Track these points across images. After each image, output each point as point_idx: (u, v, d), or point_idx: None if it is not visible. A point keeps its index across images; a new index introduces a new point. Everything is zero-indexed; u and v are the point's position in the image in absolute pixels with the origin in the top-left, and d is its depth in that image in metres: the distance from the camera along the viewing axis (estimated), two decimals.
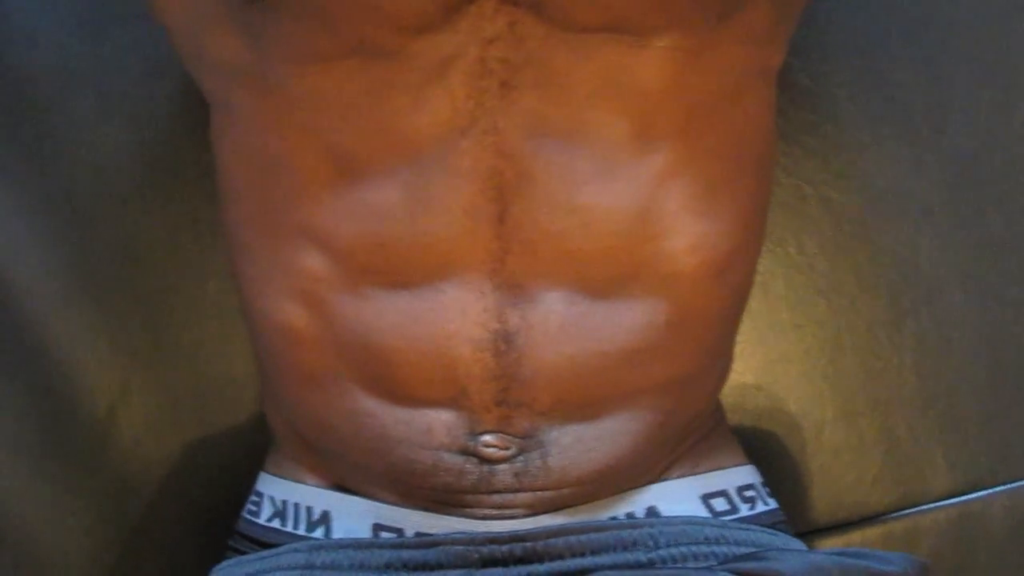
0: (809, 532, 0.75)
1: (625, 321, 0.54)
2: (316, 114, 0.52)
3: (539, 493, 0.55)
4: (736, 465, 0.62)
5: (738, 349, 0.65)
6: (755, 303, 0.75)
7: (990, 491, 0.76)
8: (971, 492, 0.75)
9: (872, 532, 0.75)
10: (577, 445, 0.55)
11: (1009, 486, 0.76)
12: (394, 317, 0.53)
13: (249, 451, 0.72)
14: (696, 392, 0.59)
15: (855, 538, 0.75)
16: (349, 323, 0.54)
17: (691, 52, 0.52)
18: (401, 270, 0.53)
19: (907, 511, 0.75)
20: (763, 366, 0.76)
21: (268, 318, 0.57)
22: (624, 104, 0.52)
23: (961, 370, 0.76)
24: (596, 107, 0.52)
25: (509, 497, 0.55)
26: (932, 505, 0.75)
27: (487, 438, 0.54)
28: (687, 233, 0.54)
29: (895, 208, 0.76)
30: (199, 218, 0.73)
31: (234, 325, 0.72)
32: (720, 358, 0.61)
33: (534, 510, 0.55)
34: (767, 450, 0.75)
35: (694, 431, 0.61)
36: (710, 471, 0.60)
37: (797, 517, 0.75)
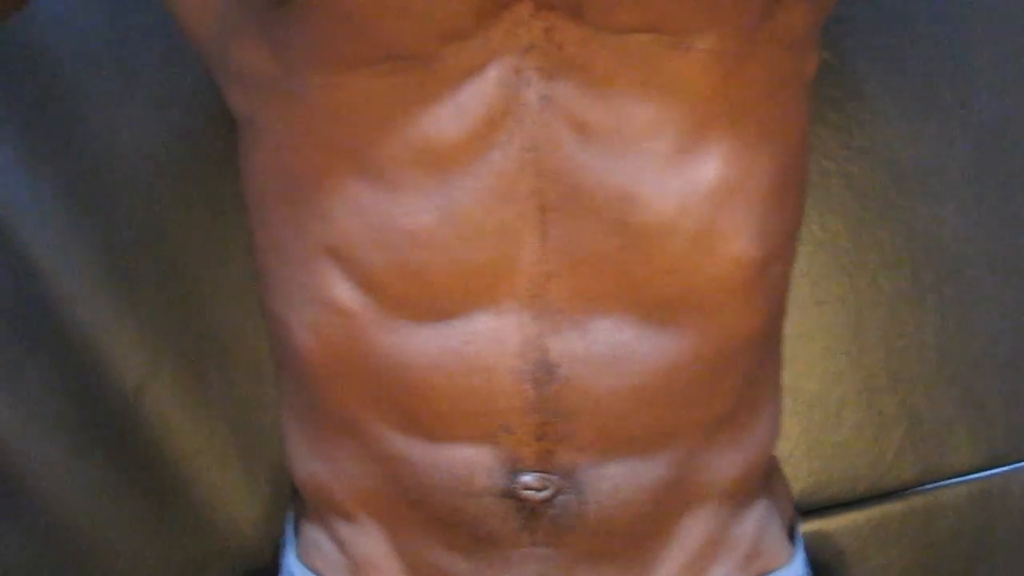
0: (830, 507, 0.75)
1: (671, 350, 0.51)
2: (344, 128, 0.50)
3: (578, 548, 0.53)
4: (787, 563, 0.60)
5: None
6: None
7: (1011, 467, 0.76)
8: (992, 468, 0.76)
9: (892, 507, 0.75)
10: (615, 493, 0.53)
11: None
12: (429, 350, 0.51)
13: (276, 428, 0.73)
14: (735, 440, 0.56)
15: (875, 513, 0.75)
16: (381, 357, 0.52)
17: (734, 56, 0.49)
18: (434, 300, 0.50)
19: (927, 487, 0.76)
20: (785, 342, 0.76)
21: (296, 354, 0.55)
22: (670, 109, 0.49)
23: (983, 347, 0.76)
24: (641, 113, 0.49)
25: (551, 552, 0.53)
26: (952, 481, 0.76)
27: (526, 478, 0.52)
28: (737, 253, 0.51)
29: (918, 184, 0.76)
30: (223, 198, 0.73)
31: (259, 304, 0.73)
32: (761, 404, 0.58)
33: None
34: (789, 426, 0.75)
35: (735, 500, 0.58)
36: (764, 574, 0.59)
37: (818, 492, 0.75)
